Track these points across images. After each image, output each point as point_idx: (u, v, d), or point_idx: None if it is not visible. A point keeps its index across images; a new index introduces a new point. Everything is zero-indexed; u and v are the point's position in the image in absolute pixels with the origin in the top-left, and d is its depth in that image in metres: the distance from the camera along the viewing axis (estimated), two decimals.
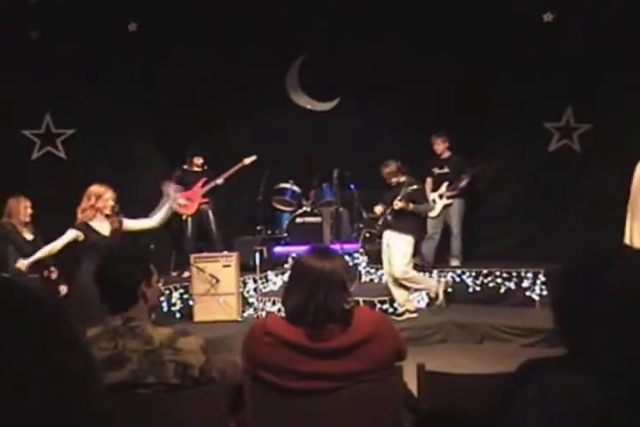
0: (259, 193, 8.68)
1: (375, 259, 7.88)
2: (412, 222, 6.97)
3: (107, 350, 2.56)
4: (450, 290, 7.72)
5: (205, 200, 8.35)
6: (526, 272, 7.63)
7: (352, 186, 8.43)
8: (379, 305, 7.15)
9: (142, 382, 2.55)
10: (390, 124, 8.83)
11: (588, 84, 7.81)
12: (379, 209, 7.09)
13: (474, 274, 7.82)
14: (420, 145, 8.36)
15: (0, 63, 7.87)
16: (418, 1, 8.31)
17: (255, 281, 7.61)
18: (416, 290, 7.23)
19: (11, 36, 7.99)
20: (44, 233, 6.85)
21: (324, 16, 8.60)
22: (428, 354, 5.48)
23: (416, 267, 8.01)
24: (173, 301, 7.24)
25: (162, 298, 6.87)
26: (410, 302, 7.16)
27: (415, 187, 6.94)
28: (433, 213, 8.18)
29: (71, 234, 5.63)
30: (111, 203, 5.73)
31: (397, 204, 6.81)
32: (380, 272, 8.06)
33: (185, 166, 8.45)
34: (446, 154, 8.33)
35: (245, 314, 7.35)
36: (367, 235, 8.13)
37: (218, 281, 7.15)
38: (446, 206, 8.23)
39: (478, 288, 7.78)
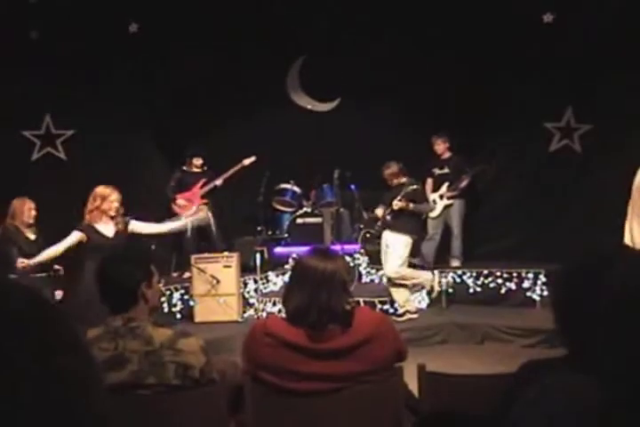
0: (259, 194, 8.67)
1: (376, 259, 7.87)
2: (410, 223, 6.97)
3: (107, 350, 2.56)
4: (450, 291, 7.73)
5: (204, 201, 8.35)
6: (527, 273, 7.63)
7: (353, 186, 8.43)
8: (379, 306, 7.14)
9: (143, 383, 2.55)
10: (390, 125, 8.83)
11: (589, 84, 7.80)
12: (379, 211, 7.09)
13: (474, 274, 7.81)
14: (421, 145, 8.36)
15: (0, 63, 7.87)
16: (418, 1, 8.31)
17: (256, 282, 7.61)
18: (414, 286, 7.18)
19: (11, 36, 7.98)
20: (45, 234, 6.85)
21: (324, 16, 8.60)
22: (429, 355, 5.48)
23: (416, 267, 8.03)
24: (174, 301, 7.24)
25: (162, 299, 6.87)
26: (410, 302, 7.15)
27: (414, 187, 6.94)
28: (433, 214, 8.18)
29: (75, 236, 5.64)
30: (116, 205, 5.72)
31: (397, 204, 6.81)
32: (380, 272, 8.06)
33: (184, 167, 8.45)
34: (447, 154, 8.33)
35: (246, 315, 7.34)
36: (367, 235, 8.13)
37: (218, 282, 7.15)
38: (447, 207, 8.23)
39: (479, 289, 7.77)
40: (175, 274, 8.27)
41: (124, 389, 2.52)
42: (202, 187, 8.35)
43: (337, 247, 7.68)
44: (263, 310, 7.32)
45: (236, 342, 5.42)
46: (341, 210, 8.68)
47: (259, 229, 8.83)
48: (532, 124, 8.33)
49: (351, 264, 8.03)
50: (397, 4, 8.29)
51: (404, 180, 6.98)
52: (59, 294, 6.55)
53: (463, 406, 2.71)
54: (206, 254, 7.57)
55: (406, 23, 8.36)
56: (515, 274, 7.68)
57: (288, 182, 8.97)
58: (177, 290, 7.34)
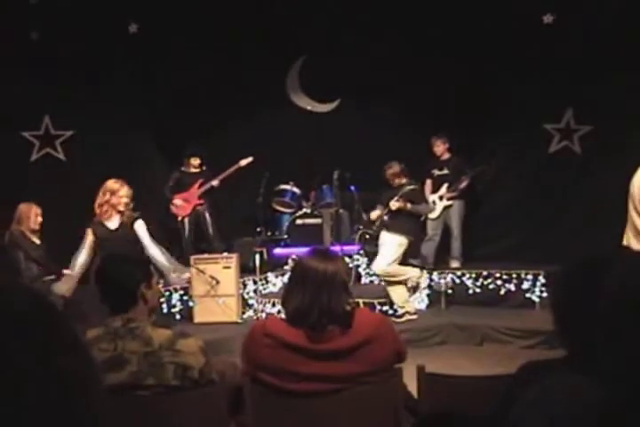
0: (259, 194, 8.67)
1: None
2: (407, 223, 6.96)
3: (106, 351, 2.56)
4: (450, 292, 7.73)
5: (200, 202, 8.36)
6: (526, 274, 7.63)
7: (352, 187, 8.43)
8: (379, 307, 7.14)
9: (142, 384, 2.55)
10: (390, 125, 8.84)
11: (589, 85, 7.80)
12: (375, 214, 7.10)
13: (474, 276, 7.81)
14: (421, 146, 8.36)
15: (0, 64, 7.87)
16: (418, 1, 8.31)
17: (255, 283, 7.60)
18: (412, 289, 7.16)
19: (11, 37, 7.98)
20: (44, 234, 6.84)
21: (324, 16, 8.60)
22: (428, 356, 5.48)
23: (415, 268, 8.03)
24: (173, 302, 7.23)
25: (162, 299, 6.86)
26: (409, 303, 7.15)
27: (412, 187, 6.94)
28: (433, 215, 8.18)
29: (88, 234, 5.69)
30: (125, 200, 5.73)
31: (394, 204, 6.82)
32: None
33: (182, 168, 8.46)
34: (446, 155, 8.33)
35: (245, 316, 7.34)
36: (367, 236, 8.13)
37: (218, 282, 7.14)
38: (446, 208, 8.23)
39: (478, 290, 7.76)
40: (174, 275, 8.26)
41: (124, 390, 2.52)
42: (199, 187, 8.36)
43: (336, 248, 7.68)
44: (262, 310, 7.32)
45: (235, 342, 5.42)
46: (341, 211, 8.68)
47: (258, 229, 8.84)
48: (531, 125, 8.33)
49: (350, 265, 8.03)
50: (397, 4, 8.29)
51: (404, 180, 6.99)
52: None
53: (462, 407, 2.71)
54: (206, 255, 7.58)
55: (406, 23, 8.36)
56: (514, 275, 7.68)
57: (287, 183, 8.97)
58: (176, 291, 7.34)
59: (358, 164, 8.15)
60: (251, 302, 7.58)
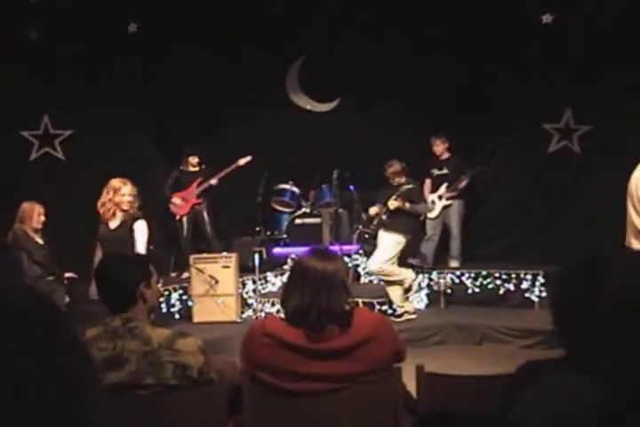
0: (258, 194, 8.67)
1: None
2: (405, 223, 6.95)
3: (106, 350, 2.56)
4: (449, 291, 7.73)
5: (199, 201, 8.36)
6: (525, 274, 7.63)
7: (351, 187, 8.43)
8: (378, 306, 7.14)
9: (141, 383, 2.55)
10: (390, 125, 8.83)
11: (588, 85, 7.81)
12: (373, 210, 7.09)
13: (473, 275, 7.81)
14: (420, 146, 8.36)
15: None
16: (418, 1, 8.31)
17: (254, 282, 7.60)
18: (398, 283, 7.10)
19: (10, 37, 7.98)
20: (44, 235, 6.83)
21: (324, 16, 8.59)
22: (427, 355, 5.48)
23: (414, 268, 8.03)
24: (172, 302, 7.23)
25: (161, 299, 6.86)
26: (409, 303, 7.15)
27: (410, 186, 6.94)
28: (432, 215, 8.18)
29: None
30: (127, 198, 5.70)
31: (392, 203, 6.82)
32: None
33: (181, 167, 8.46)
34: (446, 155, 8.33)
35: (244, 315, 7.34)
36: (366, 236, 8.13)
37: (217, 282, 7.14)
38: (445, 207, 8.22)
39: (477, 290, 7.77)
40: (174, 274, 8.28)
41: (123, 389, 2.52)
42: (198, 186, 8.36)
43: (335, 248, 7.68)
44: (262, 310, 7.32)
45: (234, 342, 5.42)
46: (340, 210, 8.67)
47: (257, 229, 8.83)
48: (531, 125, 8.33)
49: (349, 265, 8.03)
50: (397, 4, 8.29)
51: (403, 180, 6.99)
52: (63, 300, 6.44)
53: (461, 406, 2.71)
54: (205, 255, 7.57)
55: (406, 23, 8.36)
56: (513, 275, 7.68)
57: (287, 183, 8.97)
58: (175, 290, 7.34)
59: (358, 163, 8.15)
60: (250, 301, 7.58)
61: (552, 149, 8.39)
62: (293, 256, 7.88)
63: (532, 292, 7.53)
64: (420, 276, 7.92)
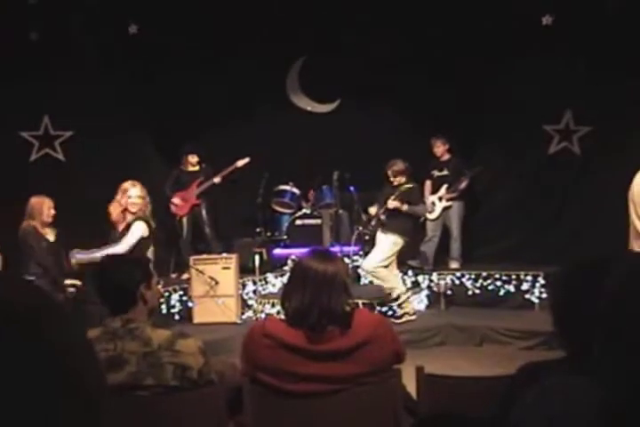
0: (258, 195, 8.67)
1: None
2: (404, 224, 6.94)
3: (106, 351, 2.56)
4: (449, 293, 7.73)
5: (198, 202, 8.36)
6: (525, 275, 7.63)
7: (352, 188, 8.43)
8: (378, 307, 7.13)
9: (141, 385, 2.55)
10: (390, 126, 8.84)
11: (588, 86, 7.81)
12: (373, 210, 7.09)
13: (473, 277, 7.81)
14: (421, 146, 8.36)
15: None
16: (418, 1, 8.32)
17: (254, 283, 7.60)
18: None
19: (10, 37, 7.98)
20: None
21: (324, 16, 8.59)
22: (427, 357, 5.48)
23: (414, 269, 8.03)
24: (172, 303, 7.23)
25: (161, 300, 6.85)
26: (409, 304, 7.15)
27: (410, 186, 6.93)
28: (432, 216, 8.18)
29: None
30: (135, 200, 5.66)
31: (391, 203, 6.81)
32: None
33: (181, 166, 8.46)
34: (446, 156, 8.32)
35: (244, 316, 7.34)
36: (366, 237, 8.13)
37: (217, 283, 7.14)
38: (445, 209, 8.22)
39: (478, 291, 7.77)
40: (174, 275, 8.28)
41: (123, 390, 2.52)
42: (198, 186, 8.36)
43: (336, 249, 7.67)
44: (262, 311, 7.31)
45: (234, 343, 5.41)
46: (340, 211, 8.67)
47: (258, 230, 8.83)
48: (531, 127, 8.33)
49: (350, 266, 8.03)
50: (397, 5, 8.29)
51: (403, 180, 6.98)
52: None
53: (461, 407, 2.71)
54: (205, 256, 7.57)
55: (406, 23, 8.36)
56: (513, 276, 7.68)
57: (287, 184, 8.97)
58: (175, 291, 7.34)
59: (358, 164, 8.16)
60: (250, 302, 7.58)
61: (552, 151, 8.39)
62: (294, 257, 7.88)
63: (533, 293, 7.53)
64: (420, 277, 7.93)
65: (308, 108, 9.47)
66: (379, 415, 2.76)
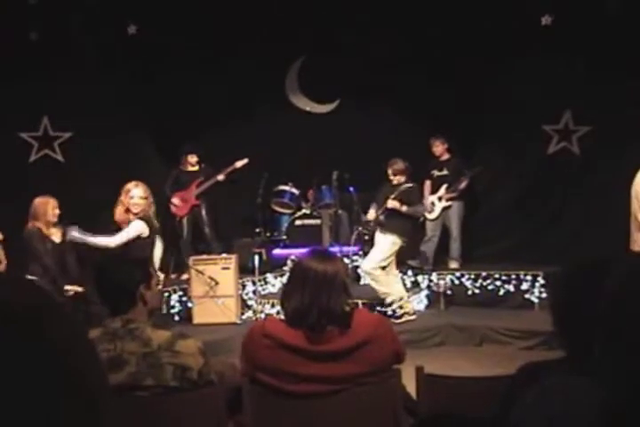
0: (258, 195, 8.67)
1: None
2: (402, 224, 6.93)
3: (106, 352, 2.55)
4: (449, 293, 7.73)
5: (197, 202, 8.36)
6: (525, 275, 7.63)
7: (351, 188, 8.43)
8: (378, 308, 7.13)
9: (141, 385, 2.55)
10: (390, 126, 8.84)
11: (587, 86, 7.81)
12: (371, 215, 7.09)
13: (473, 277, 7.81)
14: (420, 146, 8.36)
15: None
16: (418, 1, 8.32)
17: (254, 283, 7.60)
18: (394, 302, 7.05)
19: (10, 37, 7.98)
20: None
21: (324, 16, 8.59)
22: (427, 357, 5.47)
23: (414, 269, 8.02)
24: (172, 303, 7.23)
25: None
26: (409, 304, 7.15)
27: (409, 185, 6.93)
28: (432, 216, 8.18)
29: None
30: (137, 201, 5.67)
31: (391, 202, 6.81)
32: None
33: (180, 166, 8.46)
34: (445, 156, 8.32)
35: (244, 316, 7.34)
36: (365, 237, 8.13)
37: (217, 283, 7.14)
38: (445, 209, 8.22)
39: (477, 291, 7.77)
40: (173, 275, 8.27)
41: (122, 390, 2.52)
42: (197, 186, 8.36)
43: (335, 249, 7.67)
44: (261, 311, 7.32)
45: (234, 343, 5.41)
46: (340, 212, 8.66)
47: (257, 230, 8.83)
48: (530, 127, 8.33)
49: (349, 266, 8.03)
50: (397, 4, 8.29)
51: (403, 179, 6.97)
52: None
53: (461, 408, 2.71)
54: (204, 256, 7.57)
55: (406, 23, 8.36)
56: (513, 276, 7.68)
57: (286, 184, 8.97)
58: (175, 292, 7.34)
59: (357, 164, 8.16)
60: (250, 302, 7.58)
61: (551, 150, 8.39)
62: (293, 257, 7.88)
63: (532, 293, 7.53)
64: (420, 277, 7.93)
65: (308, 109, 9.47)
66: (379, 416, 2.76)
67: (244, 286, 7.67)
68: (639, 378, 1.09)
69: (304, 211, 8.96)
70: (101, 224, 5.92)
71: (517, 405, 1.41)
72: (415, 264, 8.14)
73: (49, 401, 0.71)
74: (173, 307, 7.22)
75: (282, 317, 2.82)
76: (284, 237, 8.94)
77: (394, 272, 7.12)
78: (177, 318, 7.20)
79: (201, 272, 7.16)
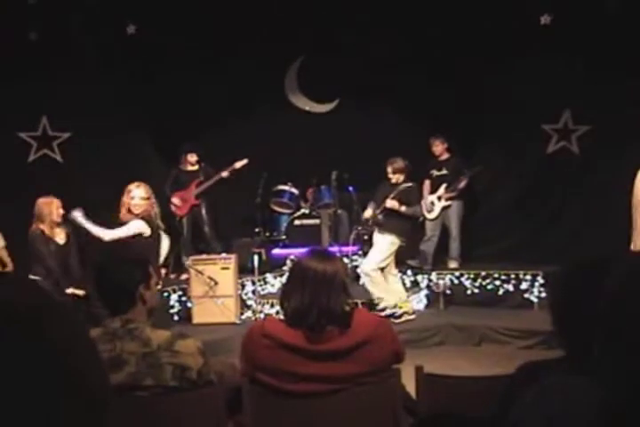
0: (257, 195, 8.67)
1: None
2: (400, 225, 6.92)
3: (105, 352, 2.55)
4: (448, 292, 7.73)
5: (197, 202, 8.36)
6: (524, 274, 7.63)
7: (350, 188, 8.43)
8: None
9: (140, 385, 2.55)
10: (390, 125, 8.84)
11: (586, 85, 7.81)
12: (367, 213, 7.09)
13: (472, 276, 7.82)
14: (420, 146, 8.36)
15: None
16: (418, 1, 8.32)
17: (253, 283, 7.60)
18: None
19: (9, 37, 7.97)
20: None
21: (324, 16, 8.59)
22: (427, 356, 5.48)
23: (413, 269, 8.02)
24: (172, 303, 7.23)
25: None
26: (408, 303, 7.15)
27: (409, 185, 6.93)
28: (431, 215, 8.18)
29: None
30: (137, 201, 5.68)
31: (389, 202, 6.81)
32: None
33: (180, 165, 8.46)
34: (445, 155, 8.32)
35: (244, 316, 7.34)
36: (365, 237, 8.13)
37: (216, 283, 7.14)
38: (445, 208, 8.22)
39: (477, 290, 7.77)
40: (173, 275, 8.27)
41: (122, 390, 2.52)
42: (197, 186, 8.36)
43: (334, 249, 7.67)
44: (261, 311, 7.32)
45: (233, 343, 5.41)
46: (339, 211, 8.66)
47: (256, 230, 8.83)
48: (530, 126, 8.33)
49: (349, 266, 8.03)
50: (397, 4, 8.29)
51: (401, 178, 6.97)
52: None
53: (460, 407, 2.71)
54: (204, 256, 7.57)
55: (406, 23, 8.36)
56: (512, 276, 7.69)
57: (286, 184, 8.97)
58: (175, 291, 7.34)
59: (357, 164, 8.16)
60: (249, 302, 7.57)
61: (551, 150, 8.39)
62: (293, 257, 7.88)
63: (532, 292, 7.54)
64: (420, 277, 7.93)
65: (307, 108, 9.47)
66: (378, 415, 2.76)
67: (243, 286, 7.66)
68: (639, 378, 1.09)
69: (303, 211, 8.96)
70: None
71: (516, 404, 1.41)
72: (414, 264, 8.14)
73: (49, 401, 0.71)
74: (173, 307, 7.22)
75: (281, 317, 2.82)
76: (284, 236, 8.94)
77: (393, 272, 7.12)
78: (176, 317, 7.19)
79: (200, 272, 7.16)
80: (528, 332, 6.64)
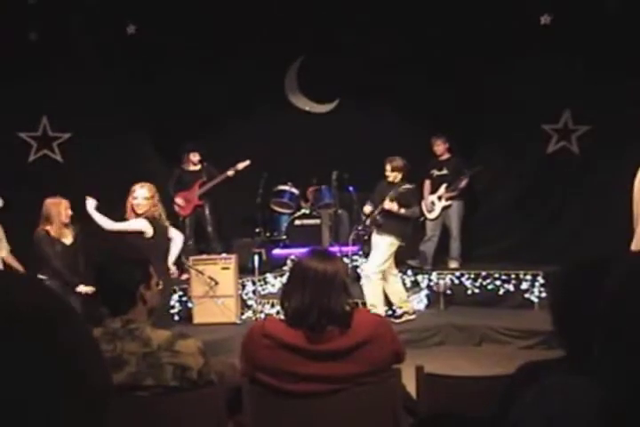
0: (257, 195, 8.67)
1: None
2: (398, 225, 6.91)
3: (105, 352, 2.55)
4: (449, 292, 7.73)
5: (200, 202, 8.36)
6: (525, 274, 7.63)
7: (351, 188, 8.43)
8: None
9: (141, 385, 2.55)
10: (390, 125, 8.84)
11: (586, 85, 7.81)
12: (367, 208, 7.08)
13: (472, 276, 7.81)
14: (420, 146, 8.36)
15: None
16: (418, 1, 8.32)
17: (254, 283, 7.60)
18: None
19: (9, 37, 7.97)
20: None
21: (324, 16, 8.59)
22: (427, 356, 5.48)
23: (414, 269, 8.02)
24: (172, 303, 7.22)
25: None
26: (408, 303, 7.15)
27: (408, 186, 6.92)
28: (432, 215, 8.18)
29: None
30: (140, 201, 5.69)
31: (388, 204, 6.80)
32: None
33: (182, 165, 8.46)
34: (446, 155, 8.31)
35: (244, 316, 7.34)
36: (365, 237, 8.12)
37: (217, 283, 7.14)
38: (445, 208, 8.21)
39: (477, 290, 7.77)
40: (173, 275, 8.26)
41: (122, 390, 2.52)
42: (200, 187, 8.36)
43: (335, 249, 7.67)
44: (261, 311, 7.32)
45: (234, 343, 5.41)
46: (340, 211, 8.65)
47: (257, 230, 8.83)
48: (530, 126, 8.33)
49: (349, 266, 8.02)
50: (397, 4, 8.29)
51: (401, 177, 6.95)
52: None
53: (461, 407, 2.71)
54: (204, 256, 7.58)
55: (406, 23, 8.36)
56: (513, 276, 7.69)
57: (286, 184, 8.97)
58: (175, 291, 7.33)
59: (357, 164, 8.15)
60: (250, 302, 7.57)
61: (551, 150, 8.39)
62: (293, 257, 7.88)
63: (532, 292, 7.54)
64: (420, 277, 7.93)
65: (307, 109, 9.47)
66: (378, 415, 2.76)
67: (243, 286, 7.67)
68: (639, 378, 1.09)
69: (303, 211, 8.96)
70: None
71: (517, 404, 1.41)
72: (415, 264, 8.14)
73: (49, 401, 0.71)
74: (173, 307, 7.22)
75: (282, 317, 2.82)
76: (284, 236, 8.94)
77: (393, 272, 7.12)
78: (177, 317, 7.19)
79: (200, 272, 7.16)
80: (528, 332, 6.64)
